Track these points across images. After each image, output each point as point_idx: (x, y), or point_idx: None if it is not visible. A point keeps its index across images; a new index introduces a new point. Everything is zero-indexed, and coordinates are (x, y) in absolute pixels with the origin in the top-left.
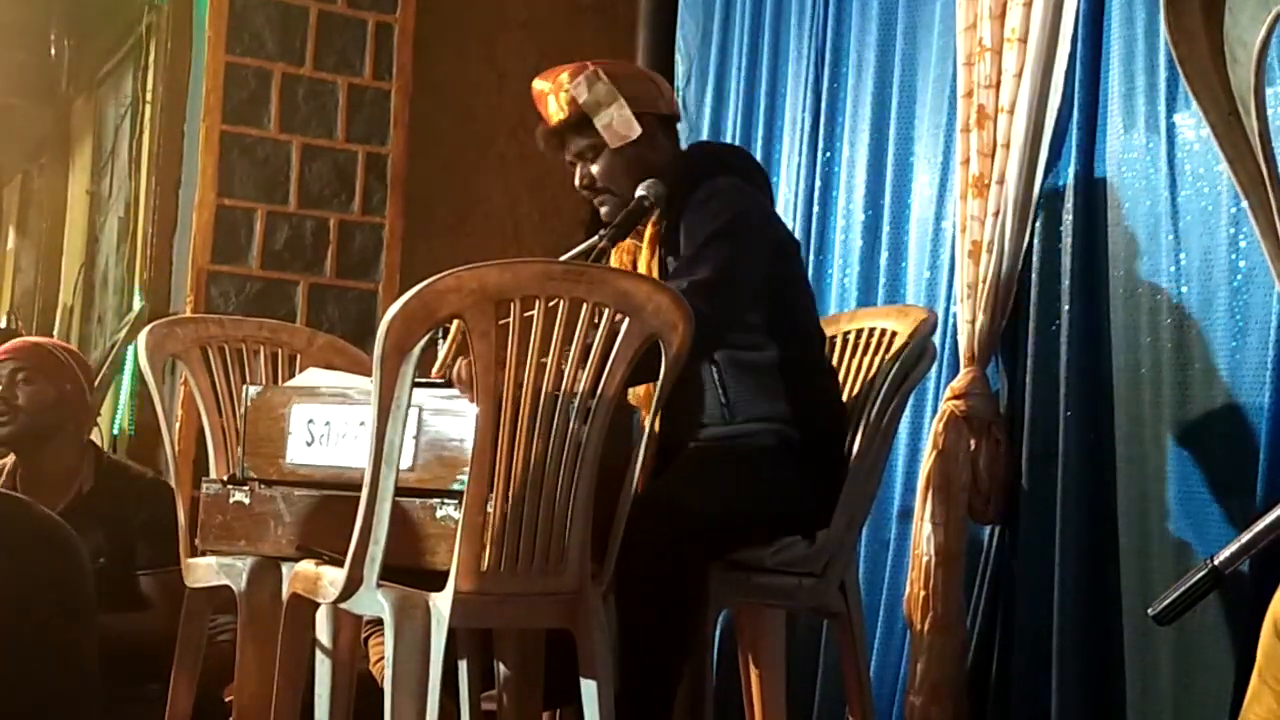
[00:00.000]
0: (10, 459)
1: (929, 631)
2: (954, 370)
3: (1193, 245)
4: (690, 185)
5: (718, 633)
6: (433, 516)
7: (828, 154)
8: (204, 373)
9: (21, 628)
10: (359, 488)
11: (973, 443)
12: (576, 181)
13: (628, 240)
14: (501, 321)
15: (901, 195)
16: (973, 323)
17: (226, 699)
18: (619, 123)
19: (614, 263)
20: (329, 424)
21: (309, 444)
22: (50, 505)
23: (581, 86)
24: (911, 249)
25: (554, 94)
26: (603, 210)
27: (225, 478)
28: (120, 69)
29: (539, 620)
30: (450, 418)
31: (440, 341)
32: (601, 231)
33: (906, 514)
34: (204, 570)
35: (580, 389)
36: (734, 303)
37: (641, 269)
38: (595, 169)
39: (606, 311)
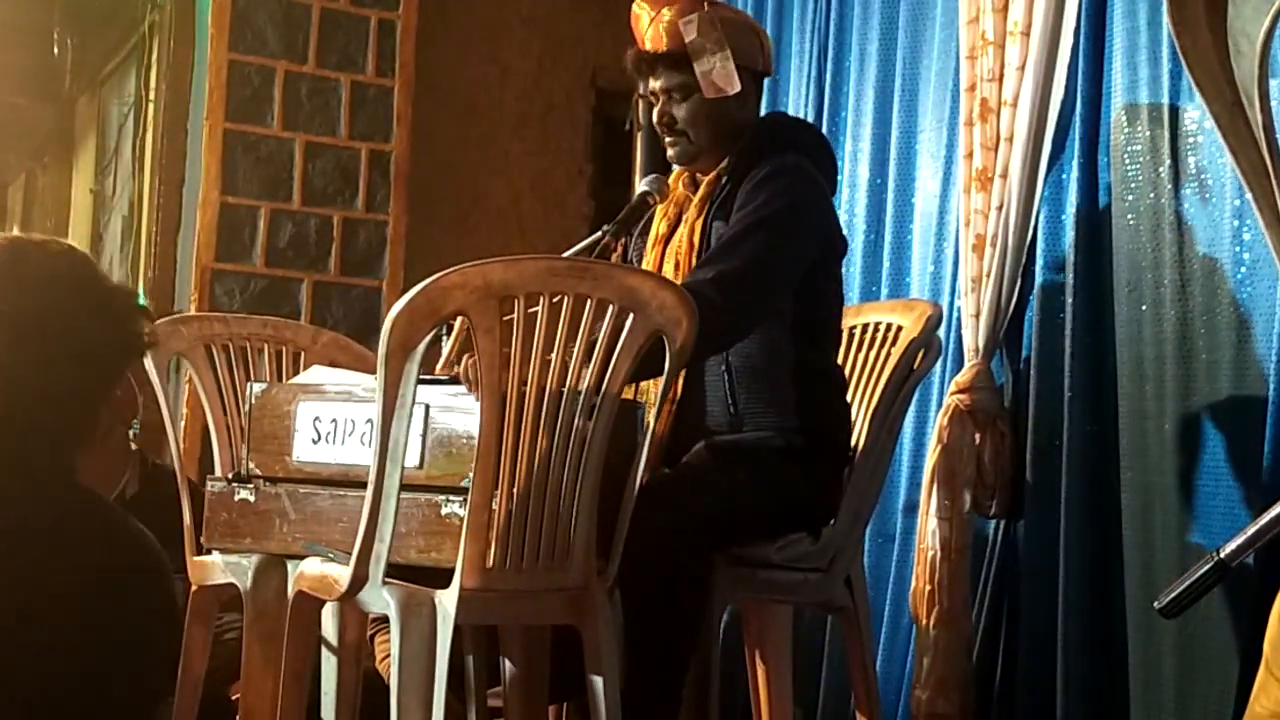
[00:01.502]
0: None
1: (935, 625)
2: (958, 364)
3: (1196, 238)
4: (757, 155)
5: (723, 628)
6: (438, 513)
7: (837, 144)
8: (208, 371)
9: (91, 652)
10: (364, 485)
11: (977, 436)
12: (655, 117)
13: (680, 191)
14: (506, 318)
15: (905, 190)
16: (977, 316)
17: (233, 697)
18: (720, 75)
19: (659, 215)
20: (335, 421)
21: (315, 441)
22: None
23: (693, 26)
24: (915, 243)
25: (657, 22)
26: (671, 151)
27: (230, 475)
28: (123, 68)
29: (545, 616)
30: (456, 415)
31: (444, 338)
32: (605, 227)
33: (912, 508)
34: (210, 568)
35: (585, 385)
36: (760, 298)
37: (684, 228)
38: (680, 111)
39: (611, 307)
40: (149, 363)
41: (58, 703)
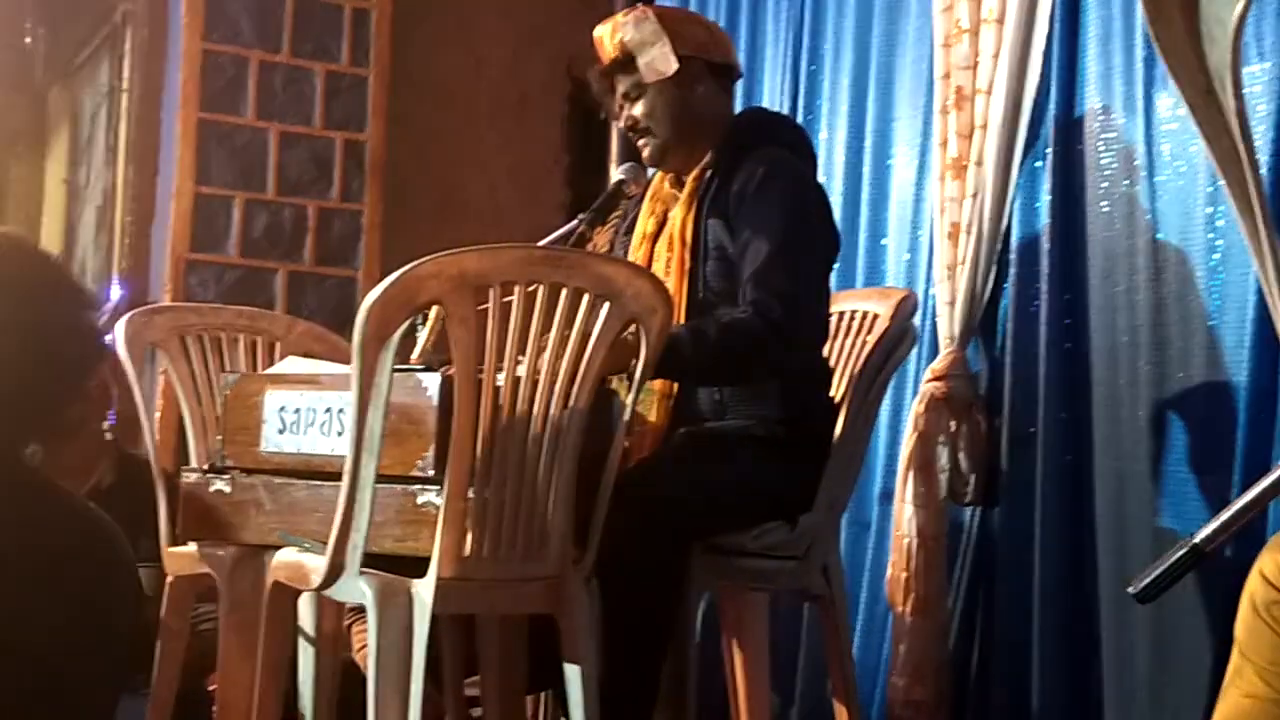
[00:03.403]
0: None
1: (911, 613)
2: (934, 352)
3: (1170, 225)
4: (739, 150)
5: (700, 616)
6: (415, 503)
7: (813, 134)
8: (183, 361)
9: (46, 644)
10: (328, 474)
11: (953, 424)
12: (621, 122)
13: (665, 189)
14: (480, 307)
15: (880, 177)
16: (952, 304)
17: (210, 688)
18: (658, 59)
19: (645, 213)
20: (298, 411)
21: (280, 431)
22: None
23: (629, 25)
24: (891, 231)
25: (608, 35)
26: (644, 152)
27: (205, 466)
28: (96, 57)
29: (521, 605)
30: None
31: (420, 328)
32: (581, 216)
33: (888, 496)
34: (185, 559)
35: (560, 374)
36: (814, 314)
37: (672, 226)
38: (638, 109)
39: (586, 296)
40: (124, 353)
41: (6, 690)
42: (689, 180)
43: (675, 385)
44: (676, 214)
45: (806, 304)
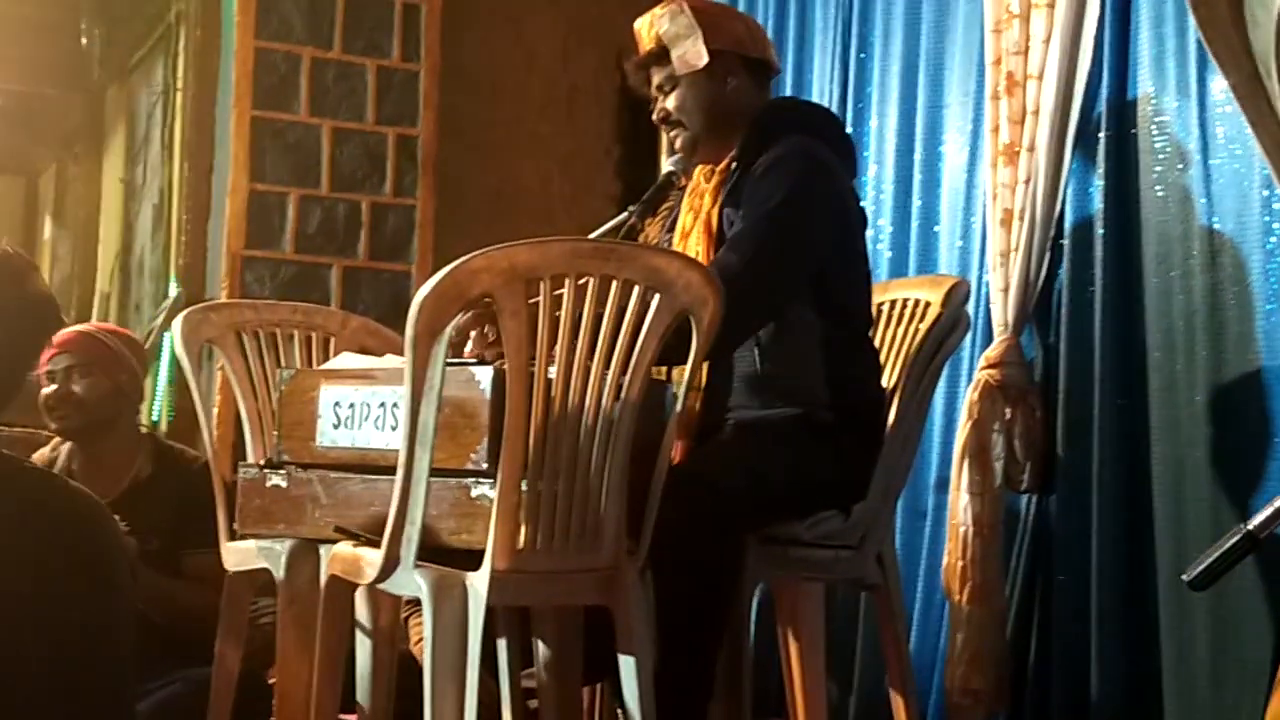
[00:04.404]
0: (66, 446)
1: (968, 602)
2: (988, 339)
3: (1226, 209)
4: (763, 140)
5: (756, 607)
6: (469, 496)
7: (857, 125)
8: (240, 357)
9: (51, 605)
10: (384, 469)
11: (1008, 412)
12: (654, 115)
13: (702, 183)
14: (532, 300)
15: (932, 164)
16: (1005, 291)
17: (269, 681)
18: (690, 53)
19: (685, 208)
20: (353, 406)
21: (335, 426)
22: (109, 492)
23: (665, 18)
24: (943, 218)
25: (646, 28)
26: (676, 144)
27: (262, 462)
28: (151, 57)
29: (576, 597)
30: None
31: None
32: (631, 208)
33: (943, 484)
34: (243, 554)
35: (612, 366)
36: (775, 289)
37: (700, 217)
38: (671, 102)
39: (637, 288)
40: (181, 350)
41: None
42: (717, 172)
43: (706, 376)
44: (704, 206)
45: (761, 275)
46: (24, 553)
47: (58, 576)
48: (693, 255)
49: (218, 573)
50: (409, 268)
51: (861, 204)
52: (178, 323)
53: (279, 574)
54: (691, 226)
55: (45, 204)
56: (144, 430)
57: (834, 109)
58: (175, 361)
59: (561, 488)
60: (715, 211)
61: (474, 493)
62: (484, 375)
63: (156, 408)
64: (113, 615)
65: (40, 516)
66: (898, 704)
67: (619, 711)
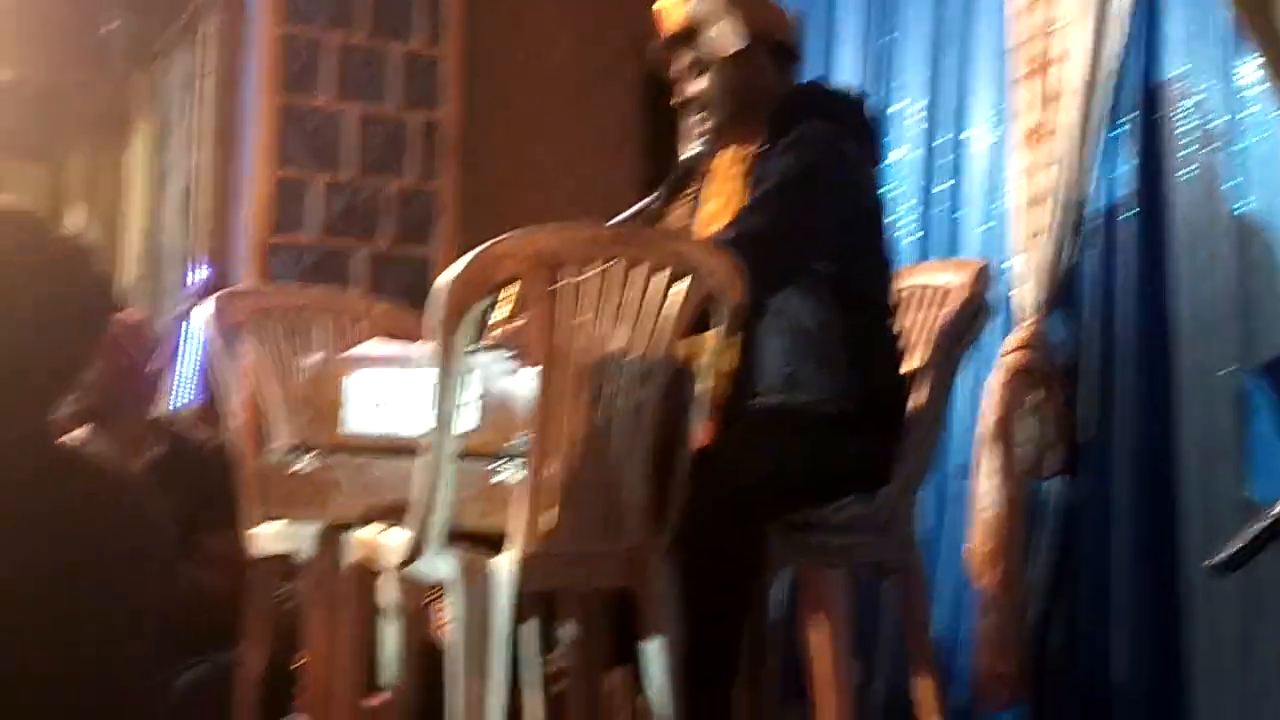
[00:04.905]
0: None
1: (991, 586)
2: (1013, 323)
3: (1256, 189)
4: (785, 124)
5: (779, 592)
6: (494, 480)
7: (883, 109)
8: (264, 342)
9: (103, 589)
10: (408, 453)
11: (1033, 396)
12: (679, 99)
13: (726, 168)
14: (556, 285)
15: (957, 148)
16: (1031, 275)
17: (295, 665)
18: (720, 36)
19: (708, 194)
20: (384, 391)
21: (365, 411)
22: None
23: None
24: (969, 202)
25: (672, 9)
26: (699, 130)
27: (286, 447)
28: (175, 43)
29: (601, 580)
30: (508, 380)
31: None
32: (655, 192)
33: (967, 469)
34: (267, 539)
35: (636, 351)
36: (783, 259)
37: (723, 203)
38: (697, 86)
39: (661, 273)
40: (207, 336)
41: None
42: (743, 158)
43: (737, 359)
44: (730, 193)
45: (765, 244)
46: (81, 536)
47: (115, 561)
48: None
49: (235, 555)
50: (433, 252)
51: (884, 190)
52: (203, 308)
53: (304, 559)
54: (715, 212)
55: (72, 191)
56: (160, 413)
57: (860, 92)
58: (199, 346)
59: (587, 471)
60: (739, 199)
61: (499, 477)
62: (509, 360)
63: (180, 392)
64: (155, 600)
65: (93, 503)
66: (922, 688)
67: (643, 695)
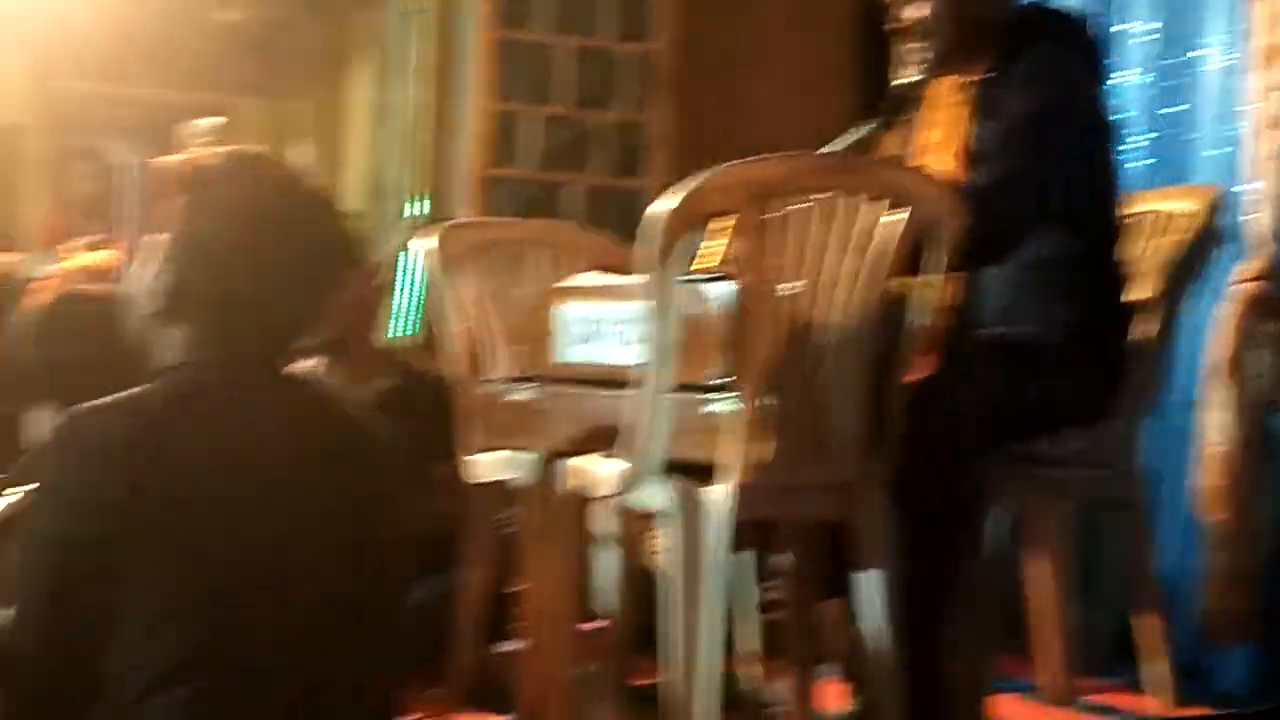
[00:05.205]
0: (315, 361)
1: (1220, 522)
2: (1246, 251)
3: None
4: (1012, 51)
5: (998, 527)
6: (708, 411)
7: (1110, 30)
8: (481, 275)
9: (356, 523)
10: (622, 384)
11: (1266, 327)
12: (899, 24)
13: (945, 96)
14: (771, 216)
15: (1188, 69)
16: (1266, 201)
17: (513, 591)
18: None
19: (925, 123)
20: (593, 322)
21: (578, 342)
22: (358, 404)
23: None
24: (1200, 126)
25: None
26: (921, 57)
27: (503, 377)
28: None
29: (815, 512)
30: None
31: (707, 239)
32: (869, 121)
33: (1197, 402)
34: (486, 466)
35: (851, 283)
36: (1035, 199)
37: (947, 132)
38: (916, 11)
39: (876, 204)
40: (426, 269)
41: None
42: (965, 86)
43: (955, 291)
44: (955, 122)
45: (1006, 192)
46: (339, 477)
47: (368, 498)
48: (938, 171)
49: (459, 484)
50: (647, 184)
51: (1113, 114)
52: (422, 241)
53: (521, 486)
54: (937, 141)
55: (293, 128)
56: (387, 345)
57: (1086, 14)
58: (418, 279)
59: (800, 403)
60: (965, 128)
61: (712, 408)
62: (722, 292)
63: (399, 324)
64: (399, 531)
65: (349, 444)
66: (1145, 626)
67: (856, 628)
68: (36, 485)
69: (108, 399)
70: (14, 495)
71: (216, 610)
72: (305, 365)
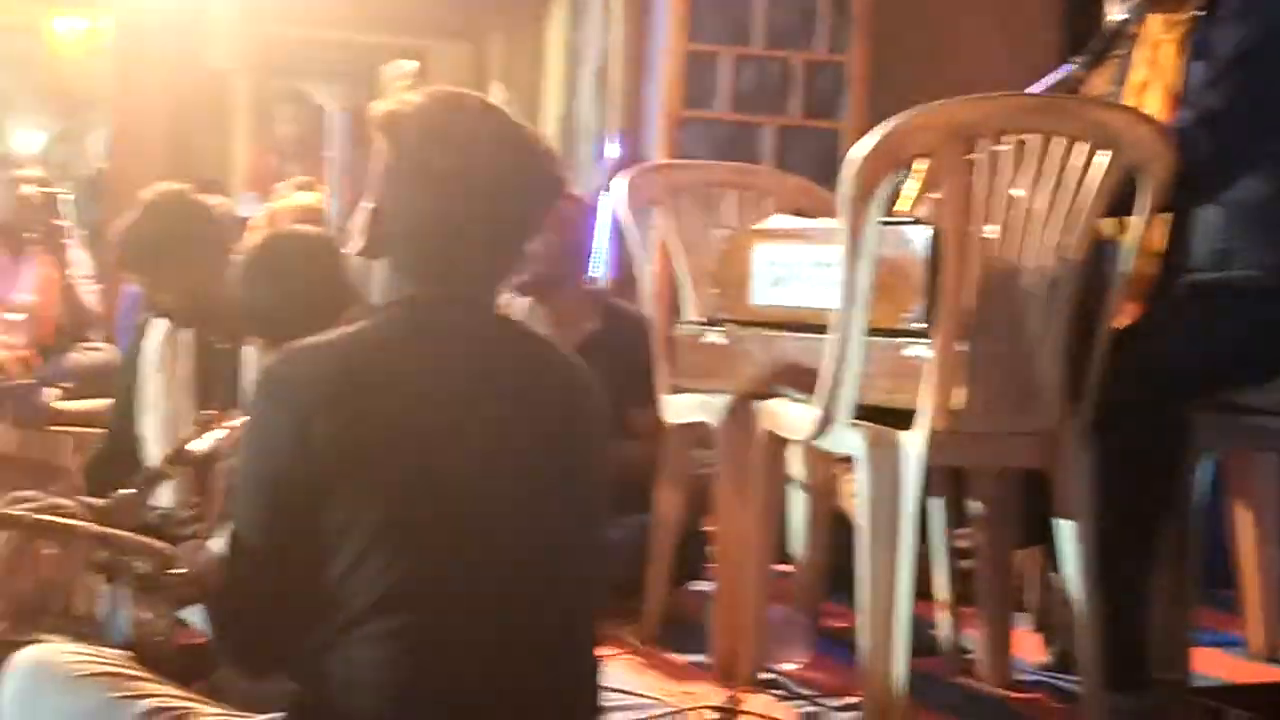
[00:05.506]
0: (523, 302)
1: None
2: None
3: None
4: None
5: (1203, 477)
6: (904, 355)
7: None
8: (677, 217)
9: (567, 455)
10: (818, 327)
11: None
12: None
13: (1157, 34)
14: (971, 157)
15: None
16: None
17: (707, 530)
18: None
19: (1136, 61)
20: (788, 265)
21: (772, 285)
22: (564, 346)
23: None
24: None
25: None
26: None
27: (699, 319)
28: None
29: (1013, 459)
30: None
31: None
32: (1075, 59)
33: None
34: (682, 406)
35: (1054, 225)
36: (1245, 140)
37: (1160, 72)
38: None
39: (1082, 144)
40: (621, 211)
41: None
42: (1178, 23)
43: (1163, 234)
44: (1165, 61)
45: (1229, 124)
46: (541, 413)
47: (581, 439)
48: (1148, 111)
49: (657, 426)
50: (842, 126)
51: None
52: (617, 183)
53: (716, 427)
54: (1148, 80)
55: (493, 69)
56: (592, 287)
57: None
58: (614, 221)
59: (1000, 348)
60: (1177, 66)
61: (908, 352)
62: (919, 235)
63: (597, 266)
64: (601, 470)
65: (553, 380)
66: None
67: (1054, 576)
68: (246, 419)
69: (318, 337)
70: (223, 430)
71: (424, 544)
72: (512, 305)
